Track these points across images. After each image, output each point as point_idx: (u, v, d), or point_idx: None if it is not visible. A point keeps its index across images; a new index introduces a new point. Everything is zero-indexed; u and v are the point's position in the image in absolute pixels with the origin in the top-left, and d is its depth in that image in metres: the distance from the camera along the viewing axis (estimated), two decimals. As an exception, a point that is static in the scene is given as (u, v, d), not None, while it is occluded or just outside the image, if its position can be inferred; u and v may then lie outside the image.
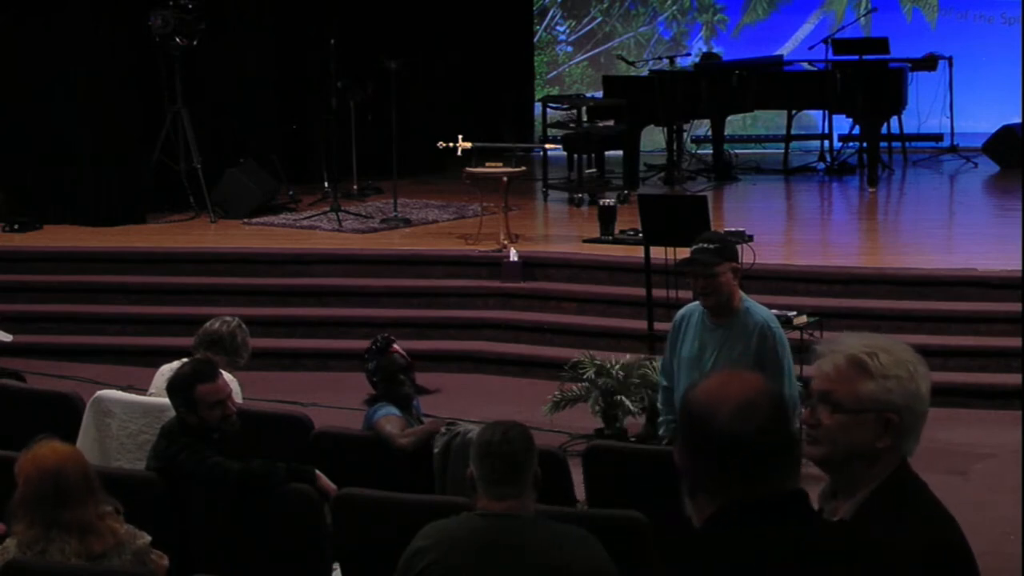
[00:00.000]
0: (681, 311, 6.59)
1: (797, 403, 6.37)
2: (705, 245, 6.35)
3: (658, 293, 9.31)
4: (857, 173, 14.85)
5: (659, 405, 6.80)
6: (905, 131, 15.36)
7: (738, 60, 15.26)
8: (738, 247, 6.78)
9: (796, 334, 9.02)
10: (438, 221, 12.83)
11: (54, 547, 4.50)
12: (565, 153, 13.97)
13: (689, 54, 16.53)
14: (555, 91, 17.24)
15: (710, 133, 15.13)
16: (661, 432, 6.68)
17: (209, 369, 5.71)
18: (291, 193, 13.70)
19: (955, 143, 15.87)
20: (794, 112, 15.58)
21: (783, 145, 15.72)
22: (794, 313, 8.98)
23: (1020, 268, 9.10)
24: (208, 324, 6.71)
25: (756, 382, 2.71)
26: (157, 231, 12.68)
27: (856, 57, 14.88)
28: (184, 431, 5.63)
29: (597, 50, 17.71)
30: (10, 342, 8.26)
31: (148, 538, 4.69)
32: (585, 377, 8.54)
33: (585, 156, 13.83)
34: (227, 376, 6.28)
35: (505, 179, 11.50)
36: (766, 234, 11.08)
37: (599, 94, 14.96)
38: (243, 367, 6.73)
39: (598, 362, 8.63)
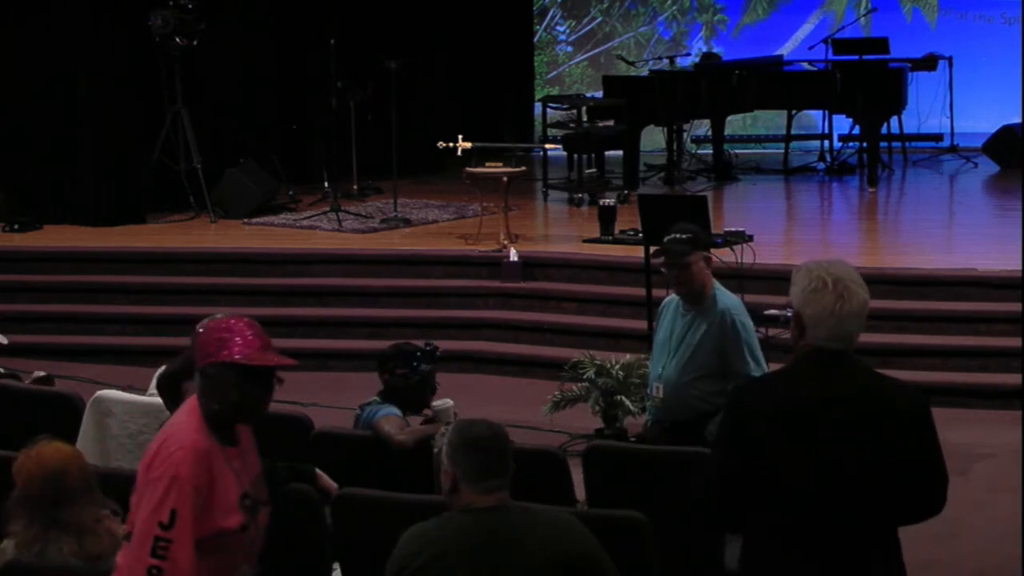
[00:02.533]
0: (666, 298, 6.88)
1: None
2: (677, 235, 6.52)
3: (658, 293, 9.30)
4: (857, 173, 14.85)
5: (648, 391, 7.05)
6: (905, 131, 15.37)
7: (738, 60, 15.26)
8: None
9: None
10: (438, 221, 12.83)
11: (52, 548, 4.50)
12: (565, 153, 13.97)
13: (689, 54, 16.53)
14: (555, 91, 17.24)
15: (710, 133, 15.13)
16: (647, 416, 7.06)
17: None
18: (291, 193, 13.70)
19: (955, 143, 15.87)
20: (794, 112, 15.58)
21: (783, 145, 15.72)
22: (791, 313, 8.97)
23: (1020, 268, 9.10)
24: (199, 324, 6.69)
25: None
26: (157, 231, 12.69)
27: (856, 57, 14.89)
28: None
29: (597, 50, 17.71)
30: (6, 344, 8.26)
31: None
32: (585, 377, 8.53)
33: (585, 156, 13.83)
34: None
35: (505, 179, 11.50)
36: (766, 234, 11.08)
37: (599, 94, 14.96)
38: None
39: (598, 362, 8.63)
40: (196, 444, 3.93)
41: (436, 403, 6.38)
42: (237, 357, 3.95)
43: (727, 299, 6.58)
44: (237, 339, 3.98)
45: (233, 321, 4.05)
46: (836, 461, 3.93)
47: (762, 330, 8.49)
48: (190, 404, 4.04)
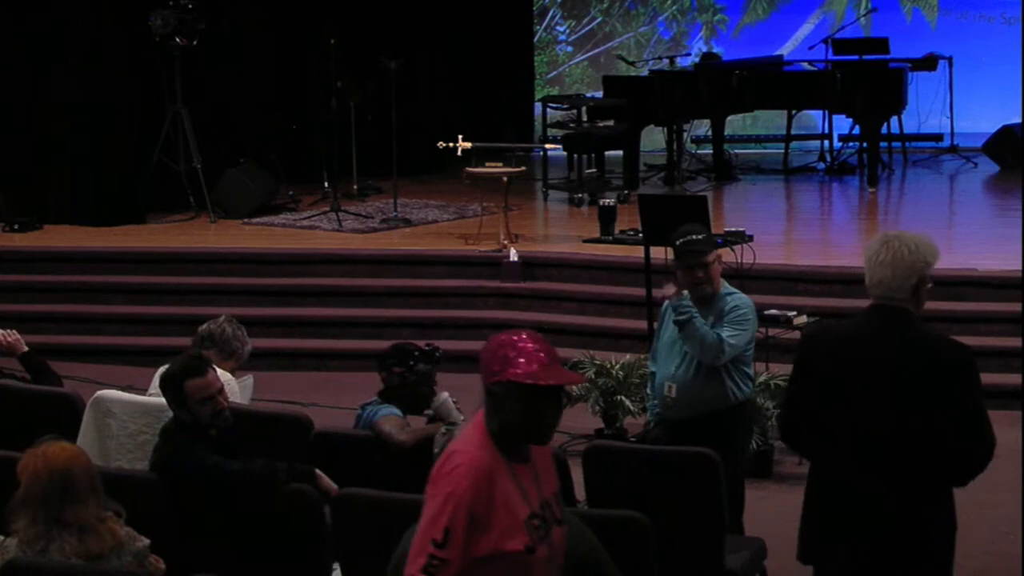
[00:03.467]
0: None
1: (725, 352, 6.41)
2: (695, 236, 6.50)
3: (658, 293, 9.31)
4: (857, 173, 14.85)
5: (648, 391, 6.99)
6: (905, 131, 15.36)
7: (738, 60, 15.26)
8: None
9: (796, 334, 9.03)
10: (438, 221, 12.83)
11: (54, 546, 4.52)
12: (565, 153, 13.97)
13: (689, 54, 16.53)
14: (555, 91, 17.24)
15: (710, 133, 15.13)
16: (648, 417, 6.94)
17: (198, 364, 5.68)
18: (291, 193, 13.70)
19: (955, 143, 15.87)
20: (794, 112, 15.58)
21: (783, 145, 15.72)
22: (794, 313, 8.99)
23: (1020, 268, 9.10)
24: (200, 328, 6.72)
25: None
26: (157, 231, 12.69)
27: (856, 57, 14.89)
28: (180, 429, 5.61)
29: (597, 50, 17.71)
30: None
31: (147, 541, 4.70)
32: (585, 377, 8.54)
33: (585, 156, 13.82)
34: (226, 375, 6.28)
35: (505, 179, 11.51)
36: (766, 234, 11.08)
37: (599, 94, 14.96)
38: (245, 365, 6.73)
39: (598, 362, 8.64)
40: (476, 461, 3.72)
41: (436, 400, 6.37)
42: (521, 376, 3.74)
43: (740, 298, 6.58)
44: (521, 356, 3.78)
45: (517, 336, 3.86)
46: (871, 408, 4.49)
47: (762, 330, 8.49)
48: (477, 417, 3.84)
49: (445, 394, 6.38)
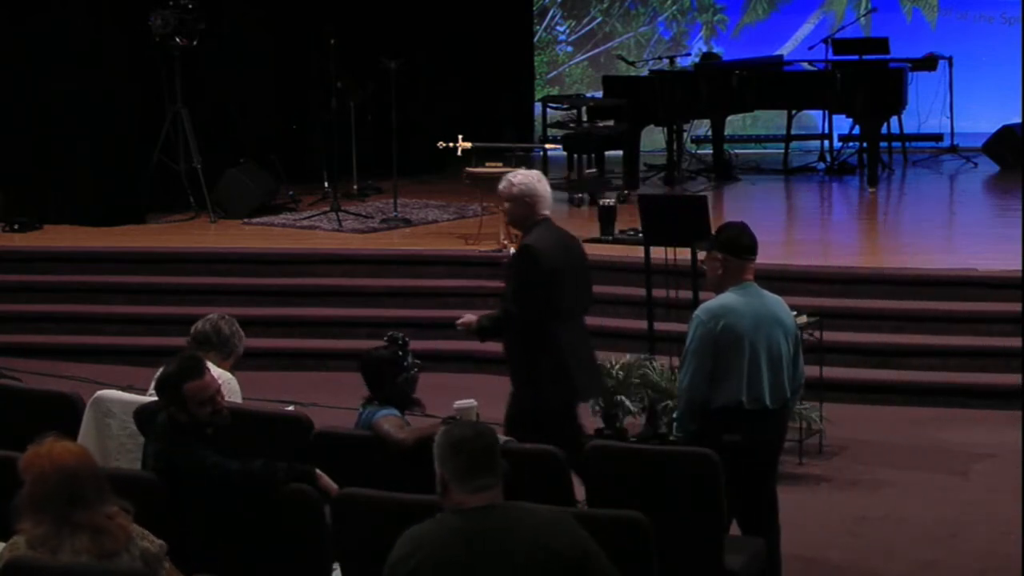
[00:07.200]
0: None
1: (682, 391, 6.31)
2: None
3: (658, 293, 9.31)
4: (857, 173, 14.86)
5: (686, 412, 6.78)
6: (905, 131, 15.37)
7: (738, 60, 15.27)
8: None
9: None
10: (438, 221, 12.83)
11: (66, 544, 4.48)
12: (565, 153, 13.96)
13: (689, 54, 16.54)
14: (555, 91, 17.24)
15: (710, 133, 15.13)
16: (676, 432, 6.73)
17: (196, 365, 5.65)
18: (291, 193, 13.71)
19: (955, 143, 15.88)
20: (794, 112, 15.59)
21: (783, 145, 15.73)
22: (794, 313, 8.96)
23: (1020, 268, 9.10)
24: (193, 327, 6.71)
25: None
26: (157, 231, 12.69)
27: (856, 57, 14.90)
28: (176, 430, 5.59)
29: (597, 50, 17.72)
30: None
31: (164, 545, 4.67)
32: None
33: (585, 156, 13.83)
34: (225, 375, 6.28)
35: (505, 179, 11.49)
36: (766, 234, 11.01)
37: (599, 94, 14.96)
38: (240, 365, 6.73)
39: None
40: None
41: (459, 403, 6.31)
42: None
43: (706, 304, 6.48)
44: None
45: None
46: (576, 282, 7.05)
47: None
48: None
49: (473, 402, 6.28)
